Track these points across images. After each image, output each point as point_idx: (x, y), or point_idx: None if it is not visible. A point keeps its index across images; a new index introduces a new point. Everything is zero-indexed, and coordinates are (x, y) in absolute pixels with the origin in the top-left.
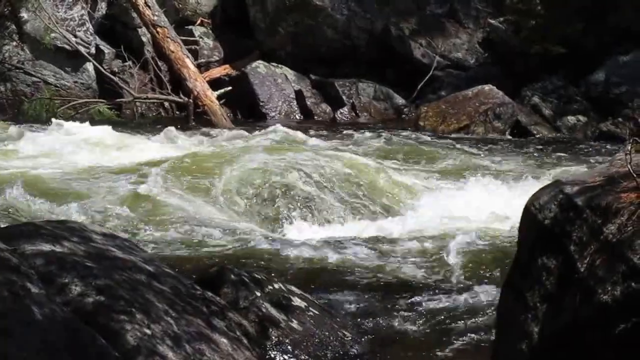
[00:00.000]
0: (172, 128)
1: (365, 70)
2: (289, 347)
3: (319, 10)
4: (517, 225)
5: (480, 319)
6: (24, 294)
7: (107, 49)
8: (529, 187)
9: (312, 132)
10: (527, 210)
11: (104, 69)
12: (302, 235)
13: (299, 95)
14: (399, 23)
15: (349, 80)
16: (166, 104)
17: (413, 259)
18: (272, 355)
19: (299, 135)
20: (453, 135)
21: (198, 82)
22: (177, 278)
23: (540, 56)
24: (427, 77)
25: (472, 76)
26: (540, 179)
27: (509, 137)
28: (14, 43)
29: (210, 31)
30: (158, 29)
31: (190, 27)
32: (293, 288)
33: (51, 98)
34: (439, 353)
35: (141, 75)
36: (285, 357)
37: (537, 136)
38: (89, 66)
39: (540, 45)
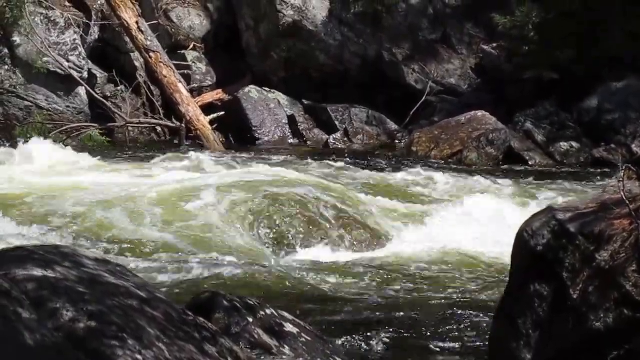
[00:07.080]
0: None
1: (358, 96)
2: None
3: (312, 36)
4: (510, 251)
5: (474, 345)
6: (15, 319)
7: (99, 73)
8: (521, 213)
9: (303, 157)
10: (519, 236)
11: (96, 94)
12: (294, 260)
13: (292, 120)
14: (391, 48)
15: (341, 106)
16: (158, 128)
17: (405, 285)
18: None
19: (293, 161)
20: (446, 161)
21: (190, 107)
22: (169, 304)
23: (533, 82)
24: (420, 103)
25: (465, 102)
26: (532, 205)
27: (502, 162)
28: (6, 67)
29: (203, 56)
30: (151, 54)
31: (183, 51)
32: (285, 314)
33: (43, 122)
34: None
35: (133, 99)
36: None
37: (530, 162)
38: (81, 90)
39: (533, 71)
